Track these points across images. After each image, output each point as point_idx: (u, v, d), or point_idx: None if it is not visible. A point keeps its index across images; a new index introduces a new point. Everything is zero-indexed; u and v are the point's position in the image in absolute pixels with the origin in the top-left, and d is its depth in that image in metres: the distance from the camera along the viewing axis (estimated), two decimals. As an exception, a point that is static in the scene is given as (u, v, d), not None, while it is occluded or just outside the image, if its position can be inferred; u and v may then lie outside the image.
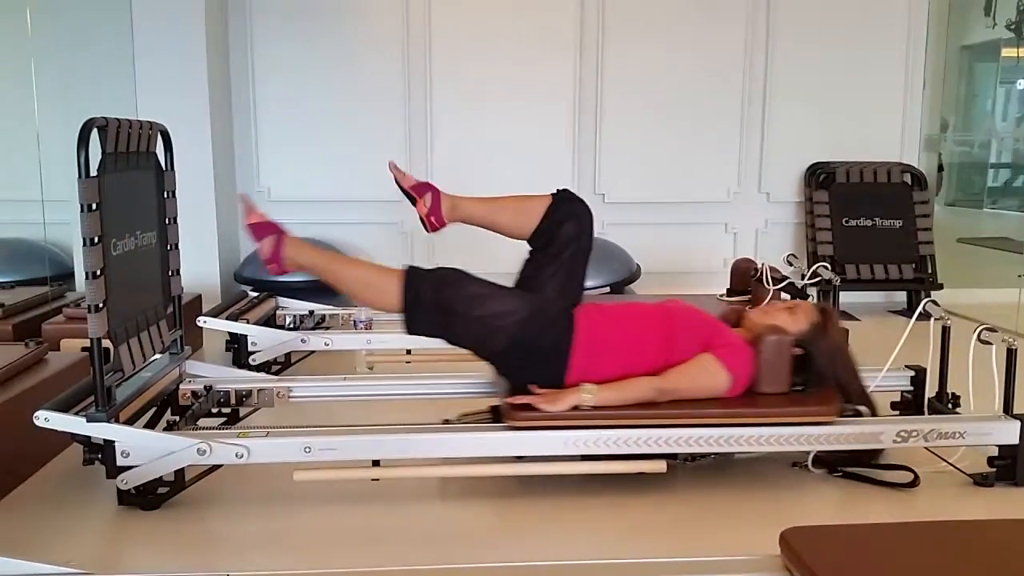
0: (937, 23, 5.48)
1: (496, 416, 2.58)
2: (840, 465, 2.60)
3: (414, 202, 2.64)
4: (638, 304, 2.63)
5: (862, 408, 2.59)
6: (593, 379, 2.41)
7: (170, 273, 2.78)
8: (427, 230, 2.66)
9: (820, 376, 2.53)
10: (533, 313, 2.44)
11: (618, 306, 2.58)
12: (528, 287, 2.59)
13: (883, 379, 2.96)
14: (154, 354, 2.63)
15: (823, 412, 2.46)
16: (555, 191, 2.63)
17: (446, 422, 2.58)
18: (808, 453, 2.60)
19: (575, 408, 2.36)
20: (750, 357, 2.48)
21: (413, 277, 2.43)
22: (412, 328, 2.46)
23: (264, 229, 2.46)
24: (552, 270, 2.56)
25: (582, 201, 2.65)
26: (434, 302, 2.39)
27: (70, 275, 4.70)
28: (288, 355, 3.70)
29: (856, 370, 2.61)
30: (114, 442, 2.27)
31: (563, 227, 2.57)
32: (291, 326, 3.93)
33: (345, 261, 2.64)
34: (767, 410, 2.45)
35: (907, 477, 2.52)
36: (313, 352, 3.70)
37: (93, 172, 2.19)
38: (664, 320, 2.52)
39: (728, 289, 4.15)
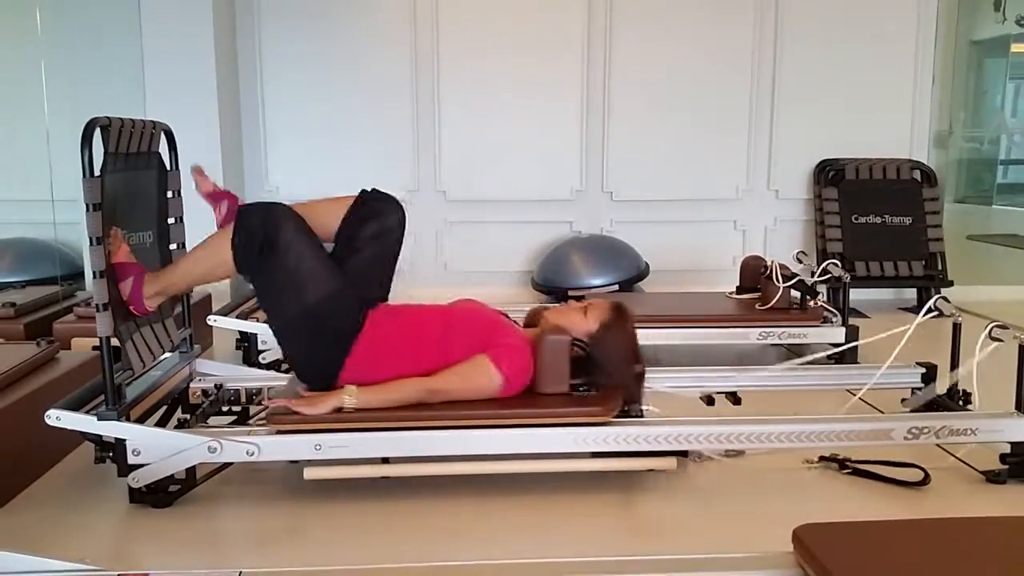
0: (946, 18, 5.46)
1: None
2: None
3: (213, 208, 2.61)
4: (428, 307, 2.56)
5: (645, 410, 2.55)
6: (367, 381, 2.35)
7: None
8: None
9: (602, 377, 2.49)
10: (334, 294, 2.35)
11: (408, 308, 2.51)
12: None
13: (895, 376, 2.97)
14: (164, 353, 2.64)
15: (598, 413, 2.41)
16: (361, 191, 2.50)
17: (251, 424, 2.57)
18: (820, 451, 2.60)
19: (337, 411, 2.32)
20: (527, 357, 2.43)
21: (244, 212, 2.36)
22: (239, 265, 2.34)
23: (125, 271, 2.38)
24: (351, 265, 2.42)
25: (391, 201, 2.50)
26: (259, 236, 2.29)
27: (80, 274, 4.71)
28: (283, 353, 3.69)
29: (639, 373, 2.54)
30: (125, 440, 2.28)
31: (363, 227, 2.44)
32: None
33: (181, 258, 2.56)
34: (540, 410, 2.41)
35: (918, 475, 2.51)
36: (322, 350, 3.70)
37: (97, 172, 2.19)
38: (444, 322, 2.47)
39: (737, 287, 4.15)
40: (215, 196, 2.61)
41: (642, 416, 2.54)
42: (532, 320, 2.68)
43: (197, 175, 2.58)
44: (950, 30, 5.51)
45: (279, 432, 2.35)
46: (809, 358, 3.28)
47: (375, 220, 2.46)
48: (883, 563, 1.58)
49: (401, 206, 2.51)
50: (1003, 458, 2.54)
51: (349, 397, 2.32)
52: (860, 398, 2.93)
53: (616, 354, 2.51)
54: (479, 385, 2.39)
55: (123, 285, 2.36)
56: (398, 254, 2.52)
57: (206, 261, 2.41)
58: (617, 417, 2.45)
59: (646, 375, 2.57)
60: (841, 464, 2.60)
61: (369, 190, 2.50)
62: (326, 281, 2.35)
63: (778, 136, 5.39)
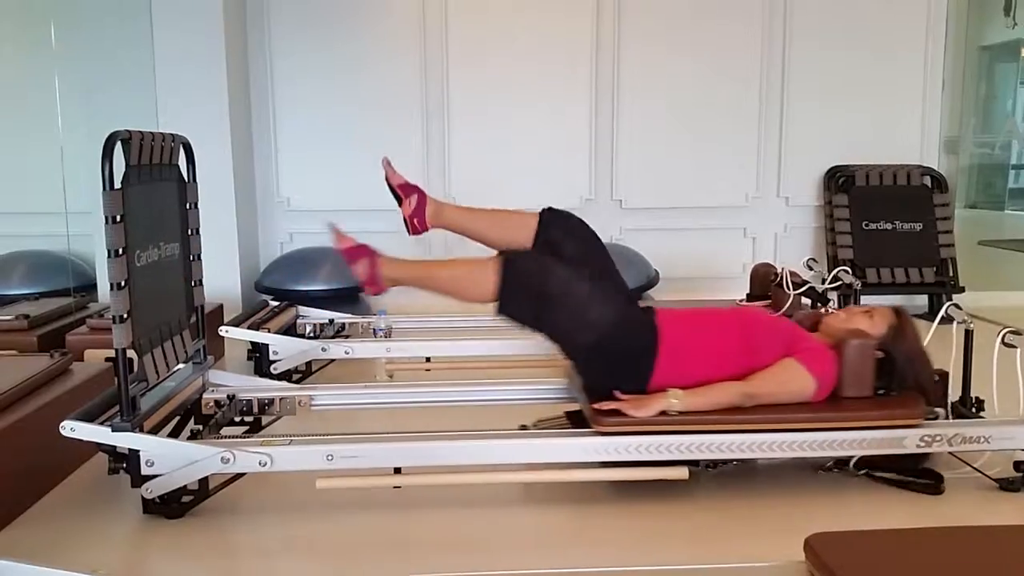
0: (956, 24, 5.44)
1: (575, 422, 2.60)
2: (877, 469, 2.59)
3: (400, 202, 2.65)
4: (713, 310, 2.63)
5: (938, 410, 2.59)
6: (676, 385, 2.41)
7: (193, 283, 2.81)
8: (409, 232, 2.67)
9: (901, 379, 2.53)
10: (621, 315, 2.46)
11: (693, 312, 2.59)
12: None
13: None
14: (177, 364, 2.65)
15: (910, 415, 2.46)
16: (542, 209, 2.62)
17: (522, 428, 2.60)
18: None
19: (662, 413, 2.37)
20: (834, 361, 2.48)
21: (511, 258, 2.43)
22: (503, 309, 2.42)
23: (356, 253, 2.50)
24: (599, 280, 2.53)
25: (571, 218, 2.63)
26: (530, 287, 2.39)
27: (93, 286, 4.74)
28: (309, 364, 3.71)
29: (934, 372, 2.61)
30: (139, 451, 2.29)
31: (563, 247, 2.54)
32: (311, 335, 3.95)
33: (437, 264, 2.66)
34: (856, 414, 2.45)
35: (933, 484, 2.50)
36: (333, 361, 3.73)
37: (117, 184, 2.22)
38: (743, 325, 2.53)
39: (748, 294, 4.13)
40: (405, 189, 2.65)
41: (938, 418, 2.56)
42: (811, 325, 2.71)
43: (387, 167, 2.65)
44: (960, 35, 5.50)
45: (602, 434, 2.38)
46: None
47: (569, 240, 2.55)
48: (896, 572, 1.57)
49: (579, 218, 2.63)
50: (1017, 466, 2.53)
51: (675, 400, 2.37)
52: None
53: (915, 356, 2.56)
54: (795, 389, 2.44)
55: (357, 267, 2.47)
56: (607, 254, 2.63)
57: (462, 286, 2.46)
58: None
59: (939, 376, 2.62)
60: (856, 466, 2.59)
61: (548, 210, 2.61)
62: (606, 306, 2.43)
63: (788, 143, 5.39)
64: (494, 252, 2.50)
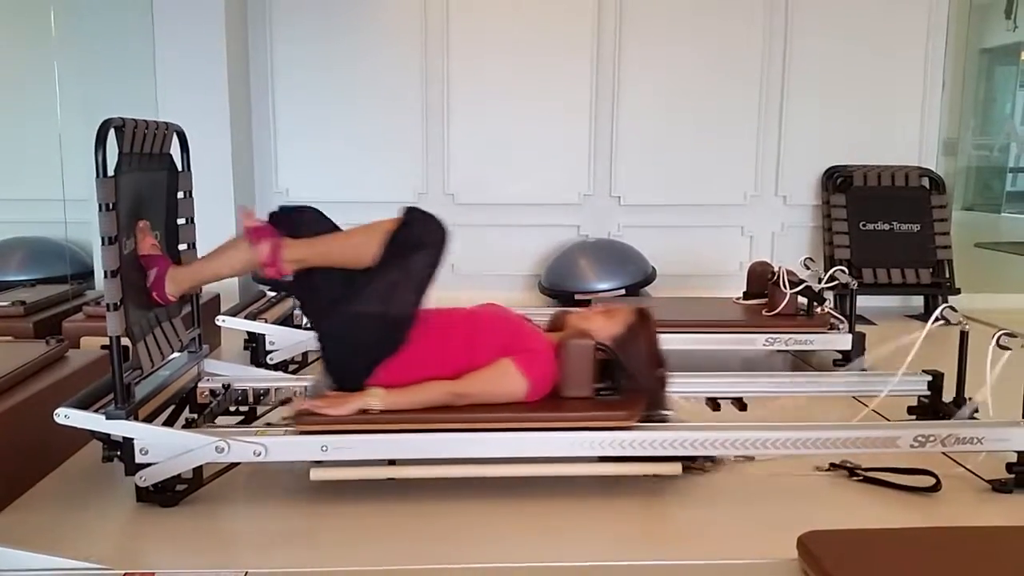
0: (956, 26, 5.44)
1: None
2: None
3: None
4: (454, 311, 2.56)
5: (669, 414, 2.56)
6: (396, 384, 2.37)
7: (188, 272, 2.80)
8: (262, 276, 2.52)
9: (627, 381, 2.50)
10: (409, 318, 2.39)
11: (436, 313, 2.51)
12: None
13: (901, 384, 2.96)
14: (172, 352, 2.65)
15: (621, 417, 2.42)
16: (404, 210, 2.45)
17: (268, 425, 2.56)
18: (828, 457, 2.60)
19: (363, 412, 2.34)
20: (550, 361, 2.45)
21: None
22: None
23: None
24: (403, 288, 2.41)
25: (430, 221, 2.42)
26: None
27: (90, 273, 4.74)
28: (305, 354, 3.72)
29: (660, 377, 2.56)
30: (133, 439, 2.29)
31: (413, 258, 2.39)
32: (308, 326, 3.95)
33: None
34: (563, 414, 2.43)
35: (929, 481, 2.50)
36: (329, 352, 3.72)
37: (110, 172, 2.21)
38: (469, 326, 2.49)
39: (744, 292, 4.15)
40: (256, 234, 2.47)
41: (665, 420, 2.54)
42: (556, 324, 2.70)
43: (243, 215, 2.51)
44: (960, 37, 5.50)
45: (300, 433, 2.36)
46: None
47: (422, 252, 2.41)
48: (887, 571, 1.58)
49: (439, 225, 2.44)
50: (1009, 467, 2.53)
51: (374, 399, 2.34)
52: (865, 404, 2.93)
53: (640, 358, 2.52)
54: (504, 389, 2.41)
55: (150, 274, 2.42)
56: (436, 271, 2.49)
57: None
58: (641, 421, 2.45)
59: (668, 379, 2.58)
60: (851, 471, 2.59)
61: (410, 209, 2.45)
62: (413, 305, 2.39)
63: (786, 142, 5.39)
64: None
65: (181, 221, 2.78)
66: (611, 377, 2.51)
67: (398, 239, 2.37)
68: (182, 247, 2.79)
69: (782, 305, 3.78)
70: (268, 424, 2.59)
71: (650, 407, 2.51)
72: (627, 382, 2.50)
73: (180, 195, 2.77)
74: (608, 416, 2.43)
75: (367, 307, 2.36)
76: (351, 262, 2.39)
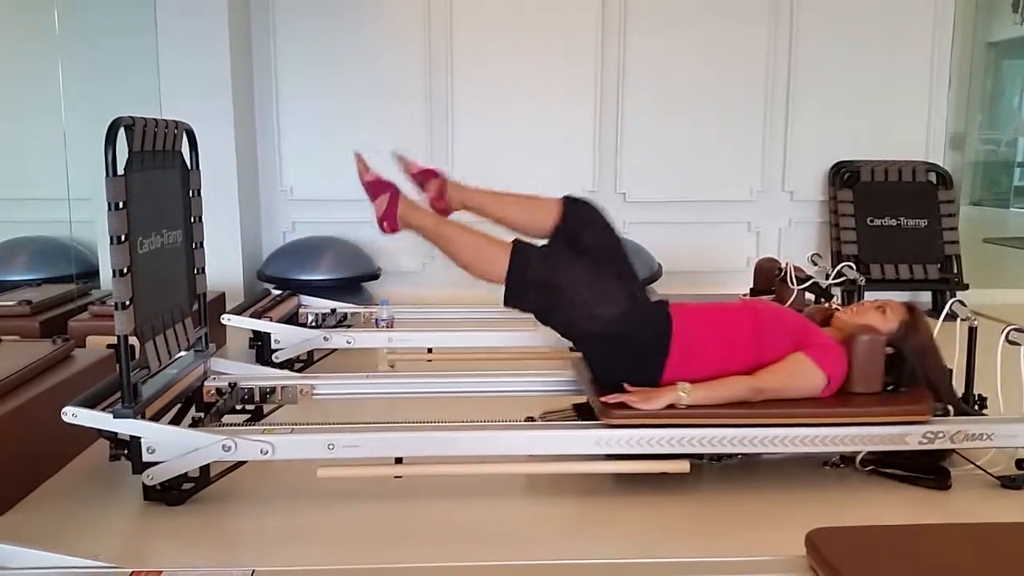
0: (963, 20, 5.42)
1: (582, 414, 2.59)
2: (885, 465, 2.59)
3: (421, 188, 2.64)
4: (724, 304, 2.63)
5: (950, 407, 2.58)
6: (686, 378, 2.41)
7: (195, 271, 2.80)
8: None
9: (911, 375, 2.53)
10: (630, 308, 2.45)
11: (705, 305, 2.58)
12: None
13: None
14: (179, 351, 2.65)
15: (917, 411, 2.46)
16: (564, 197, 2.62)
17: (529, 419, 2.59)
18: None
19: (670, 407, 2.37)
20: (843, 356, 2.48)
21: (522, 249, 2.44)
22: (511, 299, 2.46)
23: (379, 187, 2.52)
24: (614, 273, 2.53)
25: (588, 205, 2.62)
26: (537, 279, 2.41)
27: (95, 273, 4.75)
28: (310, 353, 3.71)
29: (945, 368, 2.60)
30: (140, 438, 2.30)
31: (581, 237, 2.54)
32: (313, 324, 3.96)
33: (457, 227, 2.58)
34: (863, 409, 2.45)
35: (940, 476, 2.50)
36: (335, 350, 3.73)
37: (120, 171, 2.21)
38: (754, 319, 2.52)
39: (751, 289, 4.13)
40: (423, 176, 2.63)
41: (950, 415, 2.55)
42: (821, 319, 2.71)
43: (402, 160, 2.62)
44: (967, 32, 5.49)
45: (611, 427, 2.38)
46: None
47: (588, 231, 2.55)
48: (896, 568, 1.57)
49: (598, 207, 2.63)
50: (1019, 463, 2.52)
51: (684, 393, 2.37)
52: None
53: (925, 353, 2.55)
54: (803, 384, 2.44)
55: (377, 201, 2.47)
56: (621, 242, 2.62)
57: (473, 257, 2.49)
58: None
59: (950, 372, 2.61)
60: (862, 463, 2.59)
61: (570, 199, 2.60)
62: (614, 298, 2.44)
63: (793, 137, 5.37)
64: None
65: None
66: (895, 372, 2.53)
67: (570, 223, 2.49)
68: (192, 245, 2.78)
69: (789, 301, 3.76)
70: (529, 418, 2.61)
71: (938, 400, 2.53)
72: (909, 377, 2.53)
73: (189, 193, 2.77)
74: (905, 411, 2.45)
75: (589, 323, 2.43)
76: (523, 224, 2.56)
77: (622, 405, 2.38)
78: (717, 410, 2.40)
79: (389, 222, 2.51)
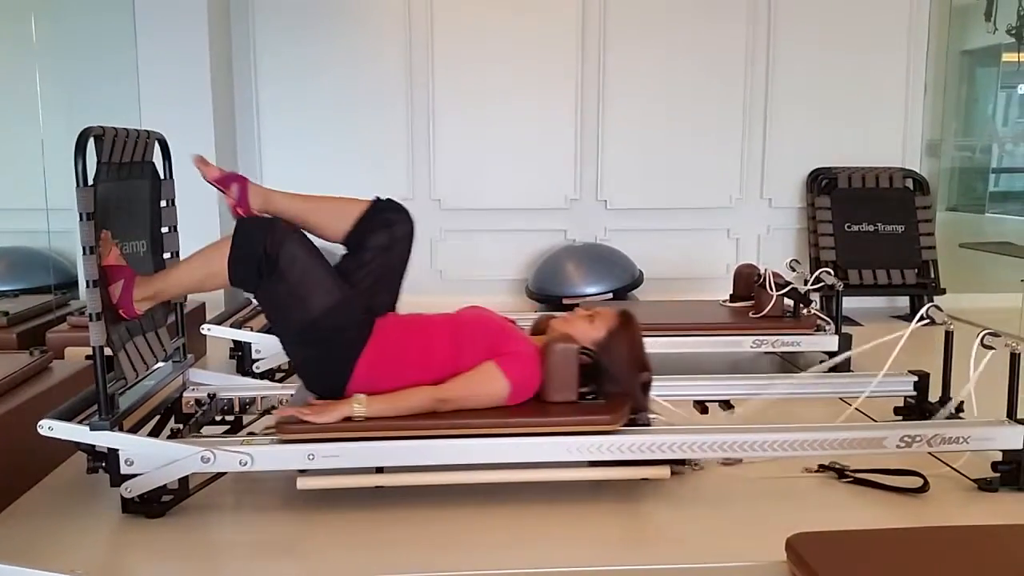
0: (938, 28, 5.49)
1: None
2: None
3: (224, 193, 2.53)
4: (436, 315, 2.56)
5: (652, 417, 2.55)
6: (376, 390, 2.36)
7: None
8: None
9: (610, 384, 2.49)
10: (339, 305, 2.36)
11: (417, 318, 2.51)
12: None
13: (887, 384, 2.97)
14: (157, 362, 2.63)
15: (607, 421, 2.41)
16: (376, 198, 2.54)
17: (251, 435, 2.52)
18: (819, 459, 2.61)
19: (347, 419, 2.32)
20: (535, 364, 2.43)
21: (242, 230, 2.36)
22: (235, 278, 2.35)
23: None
24: (360, 275, 2.46)
25: (403, 212, 2.53)
26: (262, 254, 2.29)
27: (74, 283, 4.70)
28: (291, 363, 3.69)
29: (644, 380, 2.54)
30: (118, 450, 2.28)
31: (373, 236, 2.48)
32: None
33: (174, 267, 2.55)
34: (545, 419, 2.41)
35: (917, 482, 2.51)
36: (316, 359, 3.70)
37: (90, 181, 2.19)
38: (453, 329, 2.47)
39: (731, 295, 4.16)
40: (224, 181, 2.53)
41: (649, 424, 2.53)
42: (539, 328, 2.68)
43: (200, 164, 2.51)
44: (941, 40, 5.54)
45: (283, 441, 2.34)
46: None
47: (386, 230, 2.49)
48: (875, 572, 1.58)
49: (411, 218, 2.53)
50: (995, 466, 2.55)
51: (359, 406, 2.33)
52: (851, 405, 2.94)
53: (623, 362, 2.50)
54: (487, 393, 2.40)
55: (113, 288, 2.35)
56: (406, 264, 2.54)
57: (200, 271, 2.40)
58: (625, 426, 2.45)
59: (652, 383, 2.57)
60: (840, 473, 2.60)
61: (383, 199, 2.54)
62: (330, 293, 2.36)
63: (771, 145, 5.41)
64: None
65: (164, 230, 2.77)
66: (595, 381, 2.50)
67: (366, 225, 2.45)
68: (166, 256, 2.77)
69: (768, 307, 3.79)
70: (250, 434, 2.56)
71: (634, 411, 2.50)
72: (610, 386, 2.50)
73: (163, 204, 2.75)
74: (592, 420, 2.42)
75: (296, 313, 2.35)
76: (325, 229, 2.50)
77: (296, 419, 2.32)
78: (394, 422, 2.34)
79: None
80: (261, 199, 2.50)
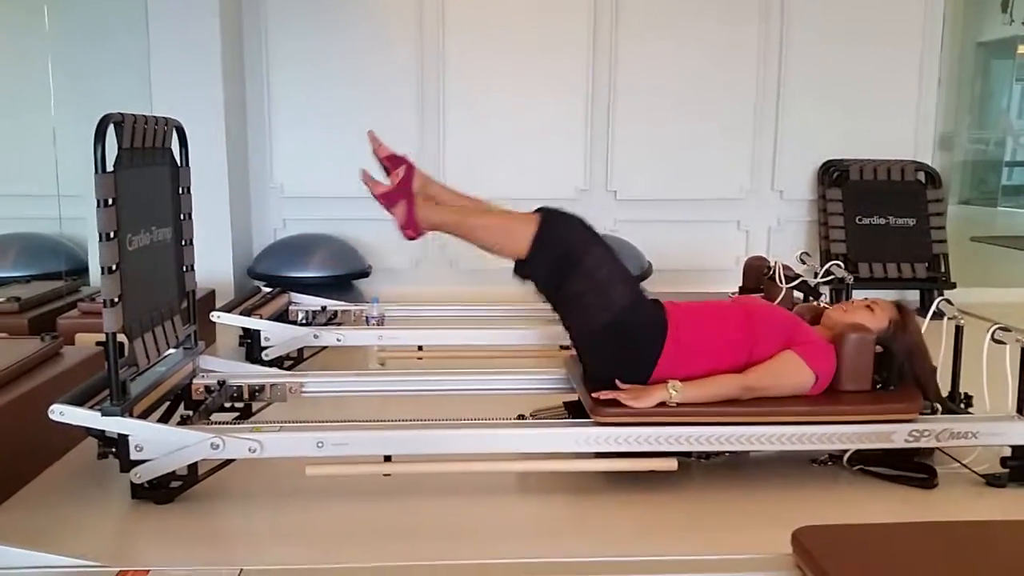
0: (953, 20, 5.44)
1: (573, 412, 2.60)
2: (872, 463, 2.60)
3: (387, 173, 2.57)
4: (716, 302, 2.64)
5: (937, 405, 2.60)
6: (676, 376, 2.42)
7: (184, 268, 2.80)
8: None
9: (900, 374, 2.54)
10: (638, 300, 2.47)
11: (697, 304, 2.59)
12: None
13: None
14: (168, 349, 2.65)
15: (906, 409, 2.48)
16: (537, 210, 2.51)
17: (520, 417, 2.59)
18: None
19: (661, 405, 2.37)
20: (832, 355, 2.49)
21: (552, 215, 2.43)
22: (530, 268, 2.42)
23: (393, 197, 2.47)
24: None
25: (572, 220, 2.51)
26: (563, 249, 2.39)
27: (85, 270, 4.73)
28: (300, 350, 3.71)
29: (933, 367, 2.61)
30: (128, 436, 2.29)
31: (561, 262, 2.43)
32: (304, 322, 3.95)
33: (475, 211, 2.56)
34: (852, 407, 2.47)
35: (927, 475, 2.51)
36: (325, 348, 3.72)
37: (110, 167, 2.20)
38: (745, 318, 2.52)
39: (740, 287, 4.14)
40: (393, 160, 2.55)
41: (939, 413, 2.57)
42: (815, 318, 2.71)
43: (373, 140, 2.55)
44: (956, 31, 5.51)
45: (602, 424, 2.37)
46: None
47: (564, 255, 2.44)
48: (881, 566, 1.58)
49: (576, 220, 2.52)
50: (1003, 461, 2.54)
51: (674, 391, 2.37)
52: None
53: (914, 351, 2.56)
54: (793, 382, 2.45)
55: (396, 211, 2.44)
56: (607, 246, 2.55)
57: (498, 236, 2.46)
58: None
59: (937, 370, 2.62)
60: (849, 461, 2.60)
61: (548, 211, 2.50)
62: (627, 286, 2.45)
63: (783, 136, 5.39)
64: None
65: (180, 217, 2.77)
66: (884, 370, 2.53)
67: (545, 239, 2.40)
68: (182, 242, 2.78)
69: (778, 300, 3.77)
70: (520, 416, 2.59)
71: (927, 398, 2.54)
72: (901, 375, 2.54)
73: (180, 191, 2.76)
74: (893, 409, 2.47)
75: (600, 310, 2.41)
76: (500, 245, 2.46)
77: (613, 402, 2.38)
78: (707, 408, 2.41)
79: (411, 228, 2.47)
80: (427, 208, 2.50)
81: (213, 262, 4.49)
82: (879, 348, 2.54)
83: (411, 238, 2.50)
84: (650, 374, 2.45)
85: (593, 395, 2.44)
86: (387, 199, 2.49)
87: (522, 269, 2.46)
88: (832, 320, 2.64)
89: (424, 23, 5.18)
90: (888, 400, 2.50)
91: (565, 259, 2.40)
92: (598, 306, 2.43)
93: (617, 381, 2.44)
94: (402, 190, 2.48)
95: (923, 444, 2.49)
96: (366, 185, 2.51)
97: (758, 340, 2.48)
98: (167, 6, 4.63)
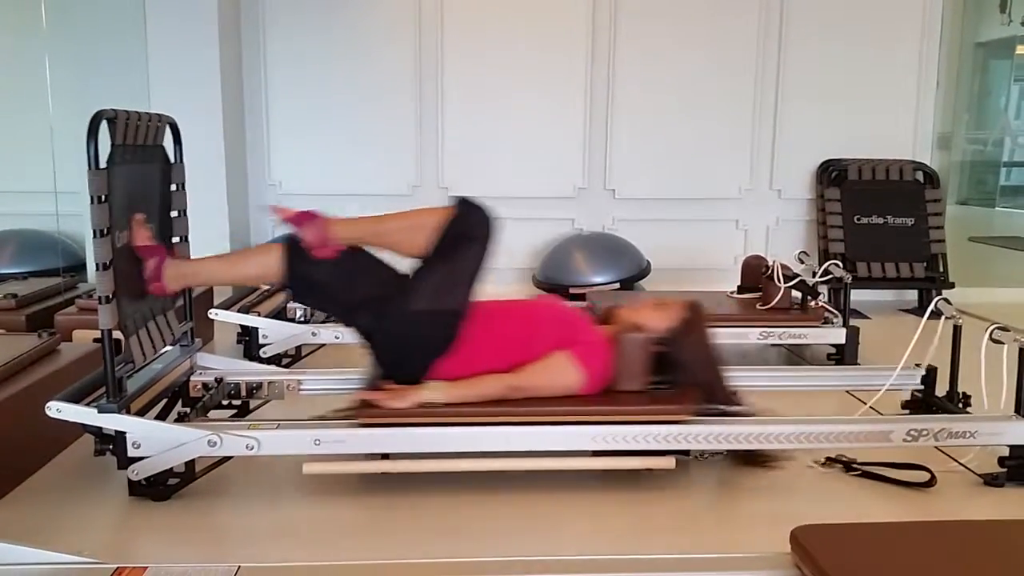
0: (952, 20, 5.45)
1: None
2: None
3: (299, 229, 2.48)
4: (512, 303, 2.59)
5: (729, 408, 2.53)
6: (453, 376, 2.39)
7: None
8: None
9: (683, 375, 2.50)
10: (418, 309, 2.39)
11: (494, 306, 2.51)
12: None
13: (894, 378, 2.96)
14: (165, 346, 2.64)
15: (674, 411, 2.42)
16: (454, 201, 2.46)
17: (320, 418, 2.52)
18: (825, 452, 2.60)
19: (423, 405, 2.35)
20: (607, 354, 2.46)
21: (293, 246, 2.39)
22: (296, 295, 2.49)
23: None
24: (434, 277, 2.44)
25: (480, 213, 2.42)
26: (325, 268, 2.37)
27: (82, 266, 4.72)
28: (298, 348, 3.71)
29: (720, 370, 2.54)
30: (125, 433, 2.29)
31: (464, 253, 2.41)
32: (302, 319, 3.94)
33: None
34: (615, 408, 2.43)
35: (923, 476, 2.51)
36: (323, 345, 3.72)
37: (102, 164, 2.20)
38: (526, 319, 2.51)
39: (739, 286, 4.15)
40: (298, 219, 2.44)
41: (725, 415, 2.51)
42: (606, 318, 2.69)
43: (276, 210, 2.49)
44: (955, 31, 5.51)
45: (363, 426, 2.36)
46: None
47: (466, 243, 2.42)
48: (879, 565, 1.58)
49: (488, 219, 2.43)
50: (1001, 461, 2.54)
51: (434, 392, 2.36)
52: (859, 399, 2.93)
53: (694, 351, 2.52)
54: (560, 382, 2.43)
55: (148, 264, 2.41)
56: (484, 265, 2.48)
57: (249, 268, 2.50)
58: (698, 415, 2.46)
59: (725, 372, 2.57)
60: (847, 466, 2.60)
61: (461, 202, 2.45)
62: (464, 301, 2.41)
63: (781, 136, 5.39)
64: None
65: (173, 214, 2.77)
66: (666, 371, 2.51)
67: (449, 232, 2.37)
68: (175, 240, 2.77)
69: (776, 299, 3.78)
70: (321, 417, 2.52)
71: (707, 401, 2.50)
72: (681, 376, 2.51)
73: (172, 188, 2.75)
74: (663, 410, 2.43)
75: (420, 305, 2.38)
76: (401, 247, 2.43)
77: (372, 404, 2.35)
78: (472, 408, 2.37)
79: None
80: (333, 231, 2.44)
81: (211, 259, 4.48)
82: (658, 348, 2.49)
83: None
84: (424, 374, 2.41)
85: (356, 395, 2.43)
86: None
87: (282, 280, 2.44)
88: (620, 319, 2.61)
89: (423, 22, 5.18)
90: (658, 401, 2.45)
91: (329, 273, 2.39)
92: (389, 297, 2.40)
93: (381, 383, 2.42)
94: (308, 213, 2.43)
95: (921, 443, 2.48)
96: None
97: (535, 341, 2.45)
98: (165, 5, 4.63)
